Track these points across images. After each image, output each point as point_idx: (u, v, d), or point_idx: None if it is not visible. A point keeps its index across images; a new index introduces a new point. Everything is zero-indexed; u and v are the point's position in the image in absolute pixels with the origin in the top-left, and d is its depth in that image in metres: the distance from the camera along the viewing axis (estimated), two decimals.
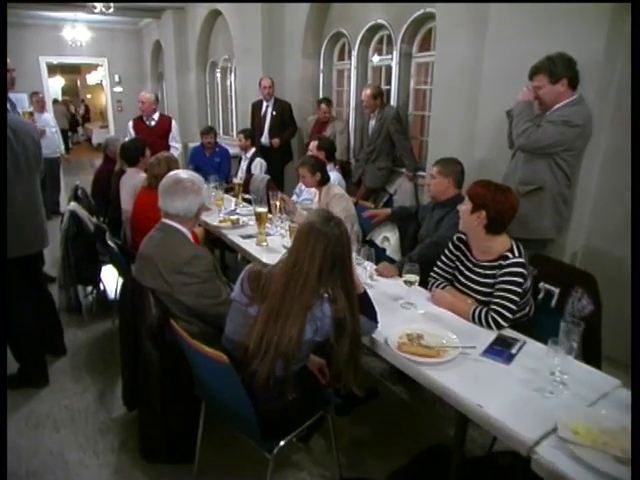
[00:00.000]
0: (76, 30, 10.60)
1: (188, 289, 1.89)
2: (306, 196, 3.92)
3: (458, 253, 2.14)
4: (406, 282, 2.01)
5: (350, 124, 5.37)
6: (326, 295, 1.56)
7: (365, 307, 1.69)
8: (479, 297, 2.00)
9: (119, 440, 2.28)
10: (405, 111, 4.67)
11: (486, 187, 1.91)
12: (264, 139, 5.51)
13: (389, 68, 4.78)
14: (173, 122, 5.29)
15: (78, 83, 17.40)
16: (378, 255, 2.61)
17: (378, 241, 3.34)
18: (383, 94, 4.52)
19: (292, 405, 1.63)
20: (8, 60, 3.05)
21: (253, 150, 5.13)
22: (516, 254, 1.89)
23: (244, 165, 5.18)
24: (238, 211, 3.58)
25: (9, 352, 2.63)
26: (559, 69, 2.42)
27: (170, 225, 1.98)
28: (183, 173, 2.01)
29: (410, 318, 1.93)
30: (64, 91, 16.84)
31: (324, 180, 3.30)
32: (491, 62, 3.19)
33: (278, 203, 3.19)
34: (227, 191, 4.67)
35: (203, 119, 9.22)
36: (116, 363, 2.76)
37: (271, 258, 2.61)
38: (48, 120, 6.28)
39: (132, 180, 3.41)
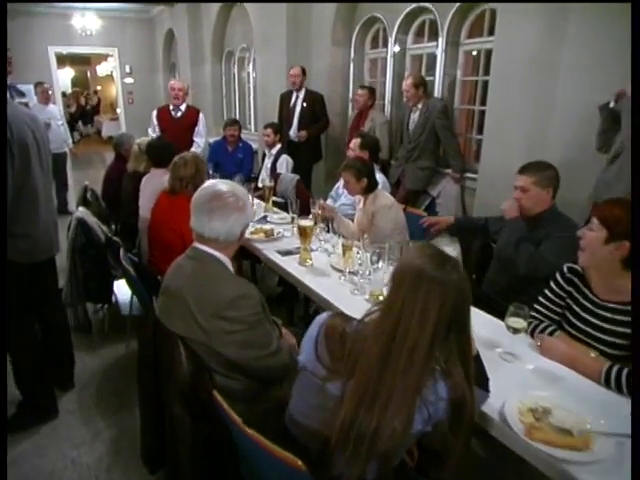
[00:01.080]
0: (86, 18, 10.17)
1: (230, 338, 1.45)
2: (344, 201, 3.46)
3: (570, 288, 1.67)
4: (510, 328, 1.56)
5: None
6: (438, 368, 1.10)
7: (477, 373, 1.24)
8: (605, 349, 1.54)
9: None
10: (450, 105, 4.18)
11: (630, 209, 1.43)
12: (292, 132, 5.04)
13: (432, 57, 4.29)
14: (201, 115, 4.83)
15: (88, 74, 17.01)
16: None
17: None
18: (426, 84, 4.03)
19: None
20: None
21: (279, 146, 4.67)
22: None
23: (268, 163, 4.72)
24: (269, 219, 3.12)
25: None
26: None
27: (205, 252, 1.53)
28: (223, 184, 1.55)
29: (519, 377, 1.48)
30: (74, 83, 16.49)
31: (371, 187, 2.84)
32: (574, 48, 2.70)
33: (320, 212, 2.74)
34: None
35: (219, 112, 8.77)
36: (131, 398, 2.37)
37: (317, 282, 2.18)
38: (54, 112, 5.86)
39: (158, 183, 2.92)
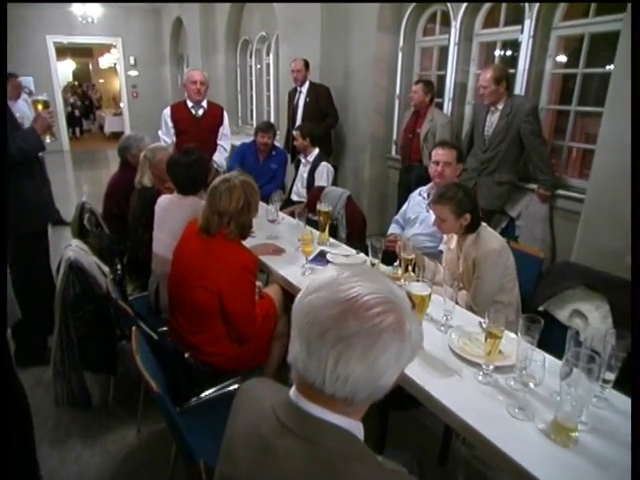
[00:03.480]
0: (87, 5, 9.35)
1: None
2: (420, 230, 2.66)
3: None
4: None
5: None
6: None
7: None
8: None
9: None
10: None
11: None
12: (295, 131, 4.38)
13: (510, 45, 3.50)
14: (225, 113, 3.91)
15: (90, 67, 16.20)
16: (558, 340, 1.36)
17: (562, 317, 2.09)
18: (509, 78, 3.23)
19: None
20: None
21: (316, 152, 3.88)
22: None
23: (304, 172, 3.93)
24: (331, 258, 2.31)
25: None
26: None
27: (326, 425, 0.71)
28: (358, 278, 0.72)
29: None
30: (75, 76, 15.71)
31: (475, 225, 2.04)
32: None
33: (407, 255, 1.95)
34: (284, 207, 3.45)
35: (233, 108, 7.96)
36: None
37: (440, 385, 1.39)
38: (24, 110, 4.83)
39: (187, 216, 2.10)
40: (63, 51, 12.70)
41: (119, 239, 2.74)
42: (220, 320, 1.74)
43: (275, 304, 2.04)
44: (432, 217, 2.57)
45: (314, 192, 3.47)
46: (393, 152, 4.62)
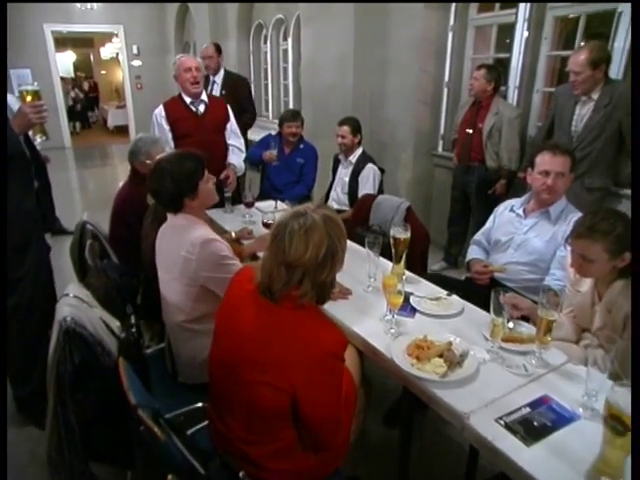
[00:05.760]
0: None
1: None
2: (517, 257, 2.04)
3: None
4: None
5: None
6: None
7: None
8: None
9: None
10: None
11: None
12: None
13: (594, 19, 2.88)
14: (228, 106, 3.19)
15: (91, 58, 15.53)
16: None
17: None
18: (609, 60, 2.62)
19: None
20: None
21: (360, 152, 3.28)
22: None
23: (345, 174, 3.34)
24: (414, 302, 1.72)
25: None
26: None
27: None
28: None
29: None
30: (76, 67, 15.08)
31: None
32: None
33: (548, 315, 1.35)
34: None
35: None
36: None
37: None
38: (10, 104, 4.30)
39: (185, 230, 1.66)
40: (63, 42, 12.08)
41: (130, 271, 2.17)
42: (290, 425, 1.16)
43: (353, 377, 1.46)
44: (533, 241, 2.03)
45: (363, 201, 2.89)
46: (440, 148, 4.01)
